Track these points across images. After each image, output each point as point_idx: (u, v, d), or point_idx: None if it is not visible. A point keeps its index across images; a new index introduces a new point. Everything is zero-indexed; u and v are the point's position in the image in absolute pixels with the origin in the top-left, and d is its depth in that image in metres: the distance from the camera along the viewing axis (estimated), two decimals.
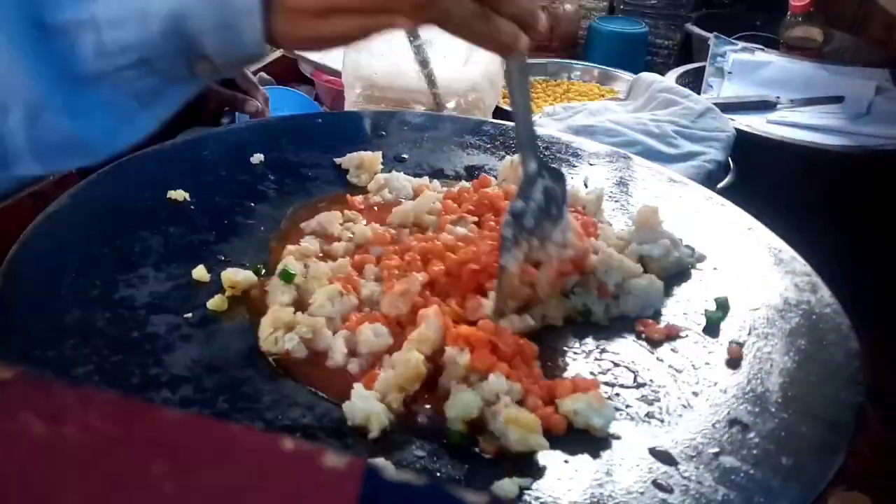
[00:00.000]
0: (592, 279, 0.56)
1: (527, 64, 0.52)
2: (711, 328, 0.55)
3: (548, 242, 0.54)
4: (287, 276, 0.51)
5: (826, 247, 0.92)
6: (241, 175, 0.69)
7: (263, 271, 0.54)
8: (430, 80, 0.90)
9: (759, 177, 0.98)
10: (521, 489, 0.39)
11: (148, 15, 0.43)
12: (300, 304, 0.51)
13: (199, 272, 0.54)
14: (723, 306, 0.57)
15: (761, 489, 0.40)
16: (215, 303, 0.51)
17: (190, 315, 0.50)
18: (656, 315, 0.56)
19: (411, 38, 0.88)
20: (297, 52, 0.51)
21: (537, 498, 0.40)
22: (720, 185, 0.92)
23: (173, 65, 0.45)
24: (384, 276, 0.53)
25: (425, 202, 0.63)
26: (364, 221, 0.62)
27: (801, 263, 0.61)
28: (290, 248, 0.56)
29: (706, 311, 0.56)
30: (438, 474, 0.41)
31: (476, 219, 0.62)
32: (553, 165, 0.57)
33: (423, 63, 0.89)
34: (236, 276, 0.52)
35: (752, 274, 0.60)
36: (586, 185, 0.73)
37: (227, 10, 0.43)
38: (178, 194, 0.62)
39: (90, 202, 0.59)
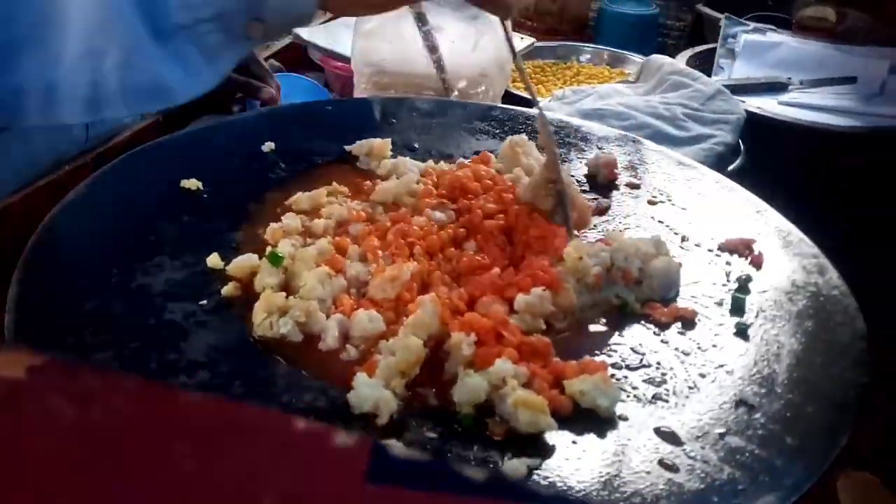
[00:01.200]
0: (614, 269, 0.56)
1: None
2: (738, 309, 0.55)
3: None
4: (275, 259, 0.52)
5: (837, 228, 0.92)
6: (253, 163, 0.70)
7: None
8: (439, 66, 0.91)
9: (770, 159, 0.98)
10: (530, 469, 0.40)
11: None
12: (287, 287, 0.52)
13: (213, 260, 0.55)
14: (744, 287, 0.57)
15: (766, 468, 0.40)
16: (229, 290, 0.52)
17: (205, 302, 0.51)
18: (675, 296, 0.57)
19: (420, 24, 0.88)
20: (346, 15, 0.56)
21: (546, 477, 0.41)
22: (731, 167, 0.92)
23: (235, 24, 0.50)
24: (368, 257, 0.54)
25: (406, 182, 0.64)
26: (347, 200, 0.63)
27: (808, 245, 0.61)
28: (272, 225, 0.57)
29: (732, 292, 0.57)
30: (449, 455, 0.42)
31: (455, 206, 0.63)
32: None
33: (432, 49, 0.90)
34: (243, 264, 0.53)
35: (760, 256, 0.60)
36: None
37: None
38: (192, 183, 0.63)
39: (106, 192, 0.60)
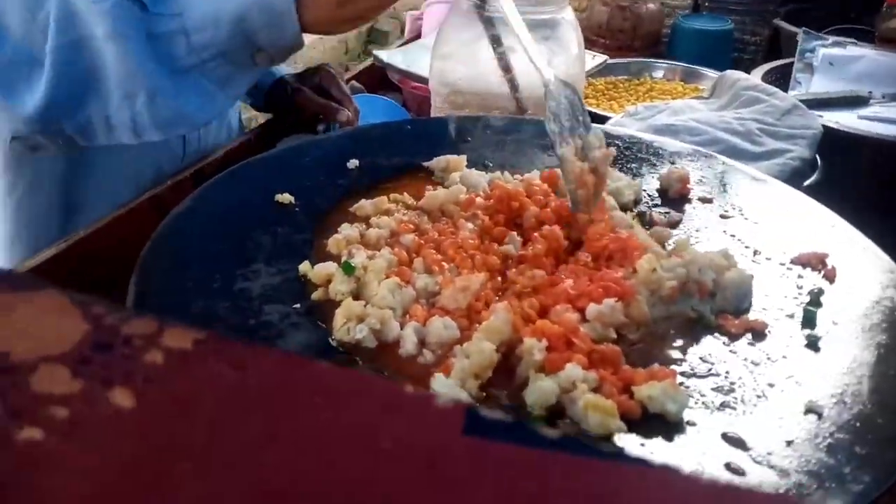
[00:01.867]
0: (691, 283, 0.58)
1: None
2: (809, 321, 0.56)
3: (587, 143, 0.65)
4: (348, 269, 0.56)
5: None
6: (339, 179, 0.74)
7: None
8: (513, 85, 0.94)
9: (849, 174, 0.97)
10: None
11: (219, 21, 0.60)
12: (359, 295, 0.56)
13: (305, 267, 0.59)
14: (816, 301, 0.58)
15: (834, 475, 0.41)
16: (318, 294, 0.56)
17: (298, 305, 0.56)
18: (748, 309, 0.58)
19: (495, 46, 0.92)
20: (326, 34, 0.71)
21: None
22: (807, 182, 0.91)
23: (241, 57, 0.63)
24: (434, 269, 0.58)
25: (454, 192, 0.69)
26: (402, 210, 0.69)
27: (883, 259, 0.61)
28: (334, 237, 0.63)
29: (804, 305, 0.57)
30: None
31: (487, 218, 0.66)
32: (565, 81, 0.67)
33: (506, 69, 0.93)
34: (321, 272, 0.57)
35: (833, 270, 0.61)
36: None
37: (272, 13, 0.61)
38: (284, 197, 0.69)
39: (208, 205, 0.66)
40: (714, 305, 0.58)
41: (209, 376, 0.18)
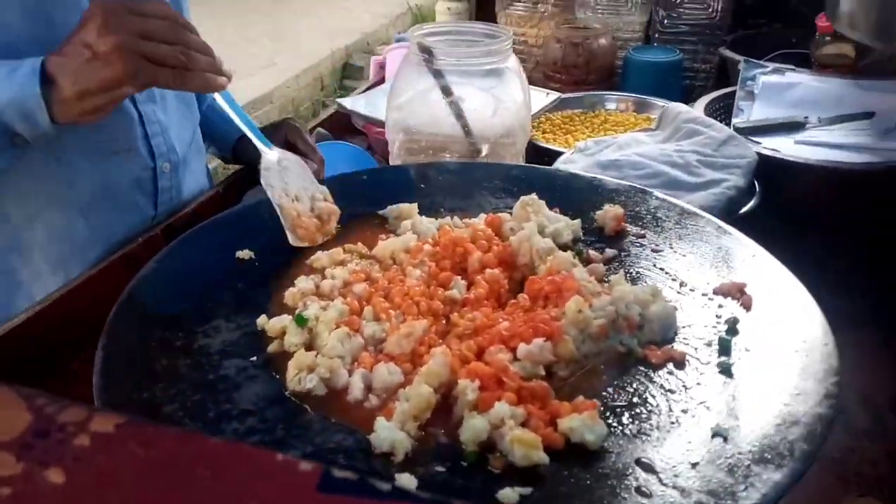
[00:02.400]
0: (620, 319, 0.63)
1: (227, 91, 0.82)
2: (724, 349, 0.61)
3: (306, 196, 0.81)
4: (301, 321, 0.61)
5: (851, 264, 0.96)
6: None
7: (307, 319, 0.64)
8: (466, 130, 1.00)
9: (785, 199, 1.02)
10: (521, 496, 0.47)
11: None
12: (311, 346, 0.61)
13: (262, 321, 0.64)
14: (732, 329, 0.63)
15: (728, 493, 0.46)
16: (274, 347, 0.61)
17: (255, 358, 0.60)
18: (673, 339, 0.63)
19: (445, 95, 0.98)
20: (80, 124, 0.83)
21: (538, 501, 0.48)
22: (744, 209, 0.97)
23: (1, 140, 0.76)
24: (382, 317, 0.62)
25: (404, 240, 0.74)
26: (356, 260, 0.74)
27: (799, 288, 0.66)
28: (290, 290, 0.68)
29: (719, 335, 0.62)
30: (456, 487, 0.49)
31: (434, 264, 0.71)
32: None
33: (458, 115, 0.99)
34: (276, 325, 0.62)
35: (749, 299, 0.66)
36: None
37: (25, 109, 0.73)
38: (245, 254, 0.74)
39: (172, 266, 0.71)
40: (642, 337, 0.63)
41: (125, 454, 0.23)
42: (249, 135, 0.86)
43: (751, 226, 0.89)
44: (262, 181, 0.80)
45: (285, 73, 3.73)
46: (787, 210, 1.02)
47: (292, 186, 0.82)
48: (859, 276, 0.94)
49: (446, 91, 0.97)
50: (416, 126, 1.01)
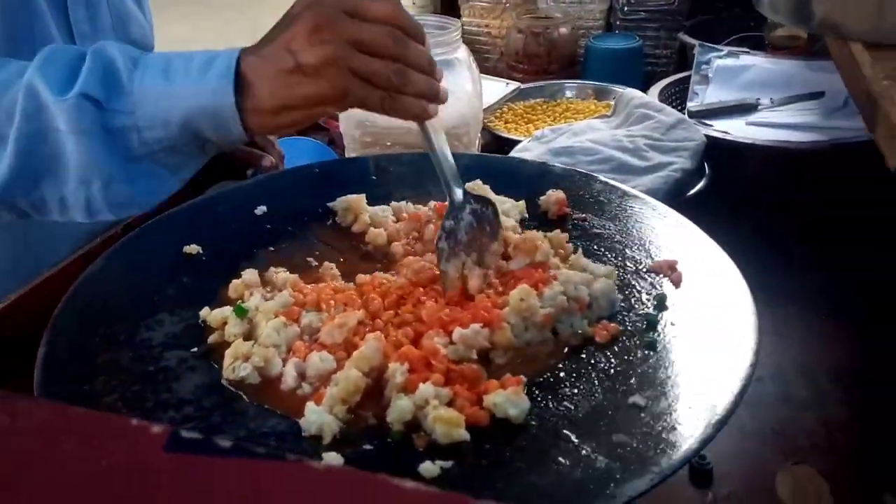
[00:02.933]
0: (570, 301, 0.64)
1: (441, 122, 0.66)
2: (652, 324, 0.63)
3: (485, 253, 0.70)
4: (240, 311, 0.63)
5: (797, 241, 0.98)
6: (247, 226, 0.81)
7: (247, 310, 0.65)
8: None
9: (734, 180, 1.05)
10: (442, 469, 0.49)
11: (169, 122, 0.65)
12: (250, 335, 0.62)
13: (205, 313, 0.66)
14: (661, 304, 0.65)
15: (639, 459, 0.48)
16: (215, 338, 0.63)
17: (196, 349, 0.62)
18: (616, 315, 0.65)
19: None
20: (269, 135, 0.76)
21: (461, 475, 0.49)
22: (692, 191, 0.99)
23: (190, 149, 0.68)
24: (322, 307, 0.64)
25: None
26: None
27: (728, 263, 0.68)
28: (234, 282, 0.69)
29: (646, 311, 0.65)
30: (382, 463, 0.51)
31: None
32: (481, 196, 0.73)
33: None
34: (217, 316, 0.64)
35: (679, 275, 0.68)
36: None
37: (218, 117, 0.65)
38: (192, 248, 0.75)
39: (120, 262, 0.72)
40: (590, 315, 0.65)
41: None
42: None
43: (699, 207, 0.92)
44: (438, 240, 0.69)
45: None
46: (736, 191, 1.04)
47: (464, 235, 0.70)
48: (805, 254, 0.97)
49: None
50: (369, 118, 1.02)
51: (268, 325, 0.61)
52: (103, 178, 0.66)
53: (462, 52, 1.01)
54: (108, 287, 0.68)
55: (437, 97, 0.68)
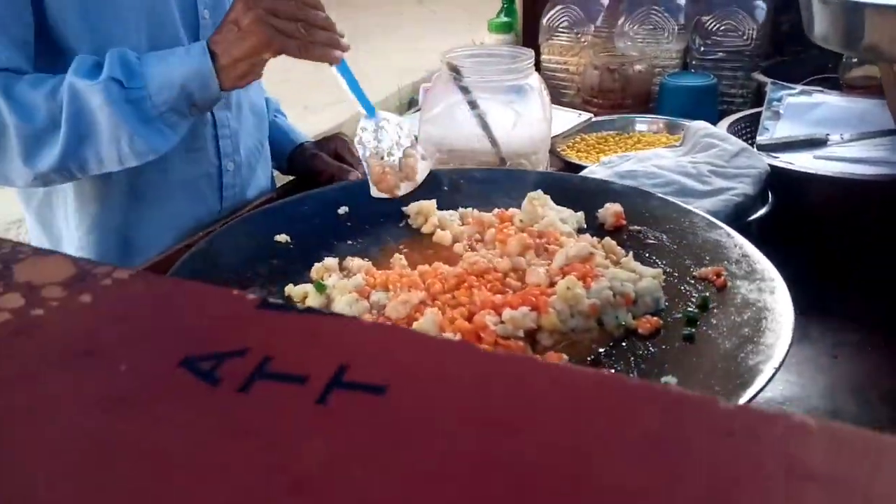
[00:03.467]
0: (618, 297, 0.70)
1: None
2: (692, 321, 0.68)
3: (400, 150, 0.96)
4: (320, 287, 0.71)
5: (853, 268, 0.99)
6: (330, 222, 0.90)
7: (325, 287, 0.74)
8: (491, 140, 1.09)
9: (796, 209, 1.07)
10: None
11: (172, 85, 0.90)
12: (327, 308, 0.71)
13: (289, 289, 0.75)
14: (704, 305, 0.70)
15: None
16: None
17: None
18: (660, 311, 0.70)
19: (471, 109, 1.08)
20: (237, 88, 1.00)
21: None
22: (754, 216, 1.02)
23: (184, 109, 0.93)
24: (390, 287, 0.72)
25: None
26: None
27: (770, 271, 0.72)
28: (315, 265, 0.79)
29: (686, 310, 0.69)
30: None
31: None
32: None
33: (483, 126, 1.09)
34: (299, 291, 0.73)
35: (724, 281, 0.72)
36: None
37: (203, 78, 0.91)
38: (282, 237, 0.85)
39: (222, 244, 0.82)
40: (636, 311, 0.70)
41: (133, 288, 0.33)
42: (358, 106, 1.01)
43: (760, 232, 0.95)
44: (356, 140, 0.99)
45: (354, 108, 3.95)
46: (799, 219, 1.06)
47: (385, 144, 0.98)
48: (863, 279, 0.98)
49: (472, 105, 1.07)
50: (444, 138, 1.11)
51: (342, 300, 0.69)
52: (128, 136, 0.90)
53: (534, 80, 1.09)
54: (211, 262, 0.79)
55: (339, 45, 0.94)
